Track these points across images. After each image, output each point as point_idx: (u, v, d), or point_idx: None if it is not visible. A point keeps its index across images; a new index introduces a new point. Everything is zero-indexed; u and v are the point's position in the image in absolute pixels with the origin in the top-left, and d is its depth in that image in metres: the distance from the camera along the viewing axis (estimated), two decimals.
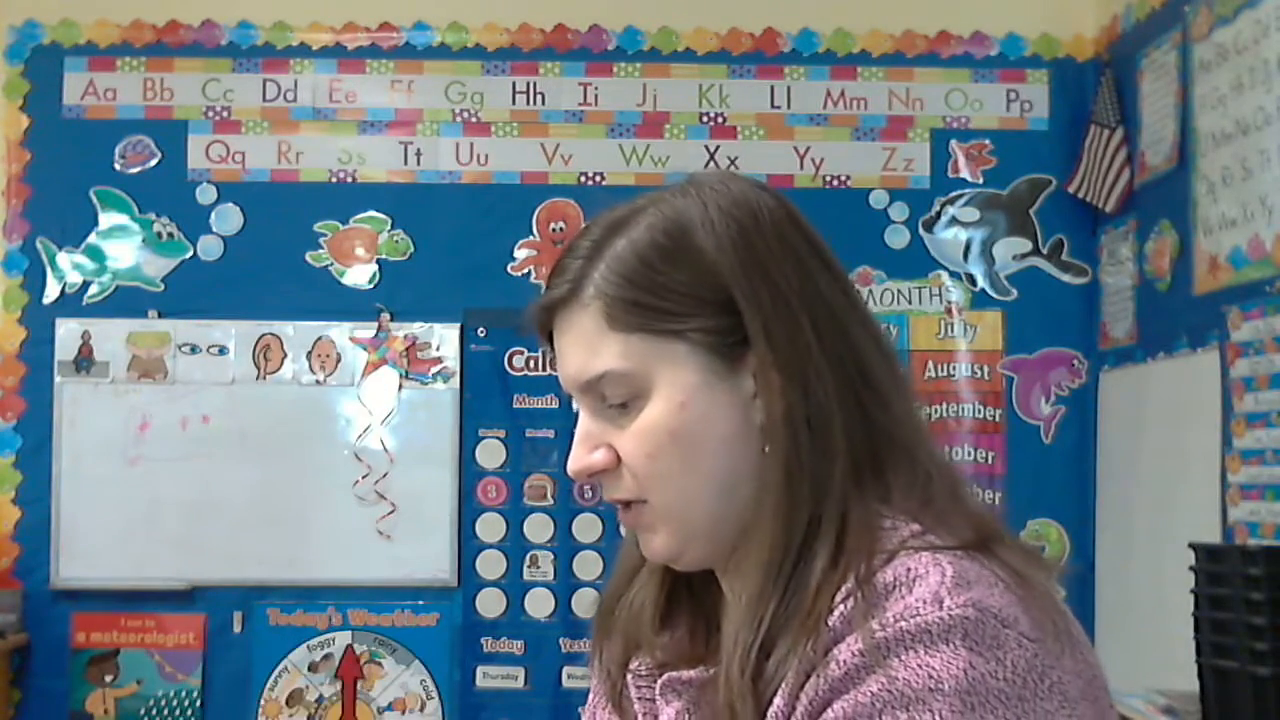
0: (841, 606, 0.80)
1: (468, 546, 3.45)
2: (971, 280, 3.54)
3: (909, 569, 0.80)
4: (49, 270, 3.50)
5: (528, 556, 3.46)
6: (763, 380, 0.86)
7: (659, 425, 0.88)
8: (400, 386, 3.50)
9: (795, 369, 0.86)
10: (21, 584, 3.41)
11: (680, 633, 0.96)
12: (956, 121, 3.56)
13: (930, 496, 0.86)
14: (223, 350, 3.49)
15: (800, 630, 0.81)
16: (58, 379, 3.46)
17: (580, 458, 0.92)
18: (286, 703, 3.42)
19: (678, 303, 0.88)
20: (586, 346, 0.90)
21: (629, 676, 0.96)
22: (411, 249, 3.54)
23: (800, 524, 0.84)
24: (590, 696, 1.07)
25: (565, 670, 3.44)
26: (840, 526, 0.84)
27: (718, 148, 3.55)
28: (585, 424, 0.92)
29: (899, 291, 3.51)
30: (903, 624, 0.77)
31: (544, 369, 3.48)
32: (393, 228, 3.54)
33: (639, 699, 0.94)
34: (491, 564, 3.46)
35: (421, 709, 3.44)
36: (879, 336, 0.91)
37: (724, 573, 0.93)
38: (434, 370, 3.50)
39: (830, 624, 0.79)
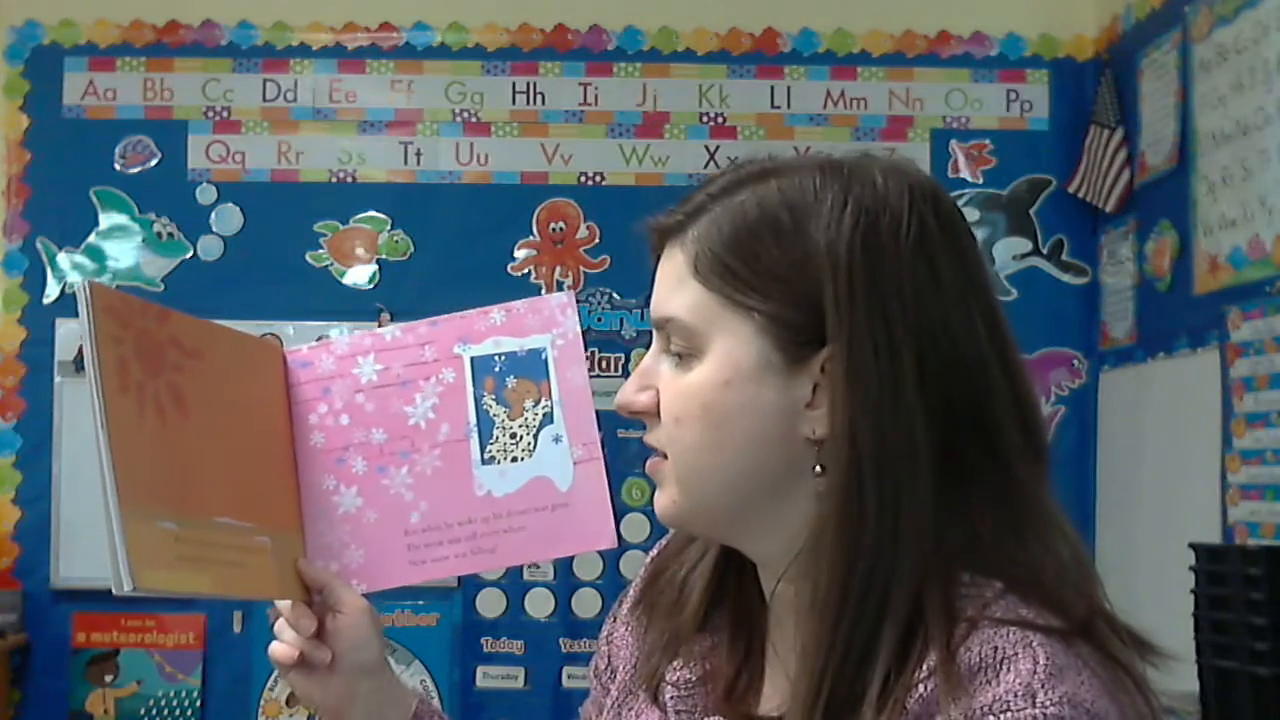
0: (921, 687, 0.75)
1: None
2: None
3: (996, 649, 0.74)
4: (49, 270, 3.50)
5: None
6: (831, 393, 0.81)
7: (696, 394, 0.85)
8: None
9: (873, 390, 0.79)
10: (21, 584, 3.41)
11: (720, 639, 0.93)
12: (956, 121, 3.56)
13: (1029, 566, 0.80)
14: None
15: (873, 712, 0.76)
16: (58, 379, 3.46)
17: (627, 392, 0.90)
18: (286, 703, 3.42)
19: (763, 279, 0.82)
20: (671, 284, 0.87)
21: (668, 688, 0.93)
22: (411, 249, 3.54)
23: (859, 556, 0.79)
24: (598, 662, 1.06)
25: (565, 670, 3.44)
26: (918, 585, 0.78)
27: (718, 148, 3.55)
28: (646, 360, 0.90)
29: None
30: (991, 718, 0.72)
31: None
32: (393, 228, 3.54)
33: (676, 711, 0.92)
34: None
35: None
36: (1019, 390, 0.84)
37: (767, 575, 0.90)
38: None
39: (908, 707, 0.75)
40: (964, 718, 0.72)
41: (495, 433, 1.09)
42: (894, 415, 0.79)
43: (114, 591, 0.88)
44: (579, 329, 1.10)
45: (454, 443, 1.09)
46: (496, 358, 1.10)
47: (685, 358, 0.86)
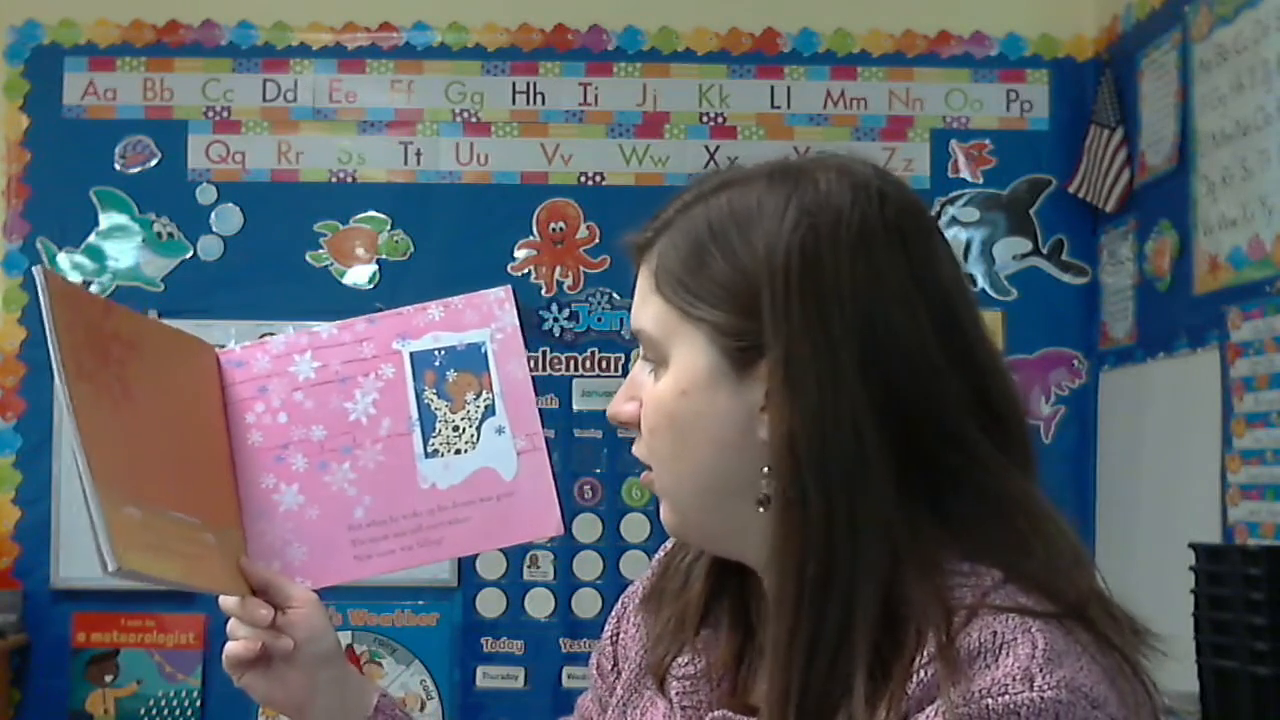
0: (921, 673, 0.76)
1: None
2: (972, 280, 3.54)
3: (995, 633, 0.75)
4: None
5: (528, 556, 3.46)
6: (772, 396, 0.81)
7: (661, 404, 0.87)
8: None
9: (811, 392, 0.80)
10: (21, 584, 3.41)
11: (723, 629, 0.94)
12: (956, 121, 3.56)
13: (1018, 548, 0.80)
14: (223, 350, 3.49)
15: (871, 696, 0.77)
16: (58, 379, 3.45)
17: (615, 403, 0.92)
18: None
19: (710, 290, 0.84)
20: (641, 298, 0.90)
21: (674, 682, 0.93)
22: (411, 249, 3.54)
23: (809, 557, 0.79)
24: (601, 661, 1.06)
25: (565, 670, 3.44)
26: (889, 579, 0.79)
27: (718, 148, 3.55)
28: (634, 372, 0.92)
29: None
30: (989, 701, 0.72)
31: (544, 369, 3.48)
32: (393, 228, 3.54)
33: (682, 706, 0.92)
34: (491, 564, 3.46)
35: (421, 709, 3.44)
36: (981, 385, 0.83)
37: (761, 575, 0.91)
38: None
39: (908, 691, 0.76)
40: (963, 701, 0.73)
41: (438, 426, 1.10)
42: (835, 414, 0.79)
43: (100, 572, 0.90)
44: (517, 322, 1.12)
45: (396, 437, 1.10)
46: (436, 352, 1.12)
47: (656, 369, 0.89)
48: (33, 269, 0.93)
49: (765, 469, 0.83)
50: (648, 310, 0.89)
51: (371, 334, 1.13)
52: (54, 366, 0.93)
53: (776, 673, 0.80)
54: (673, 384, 0.86)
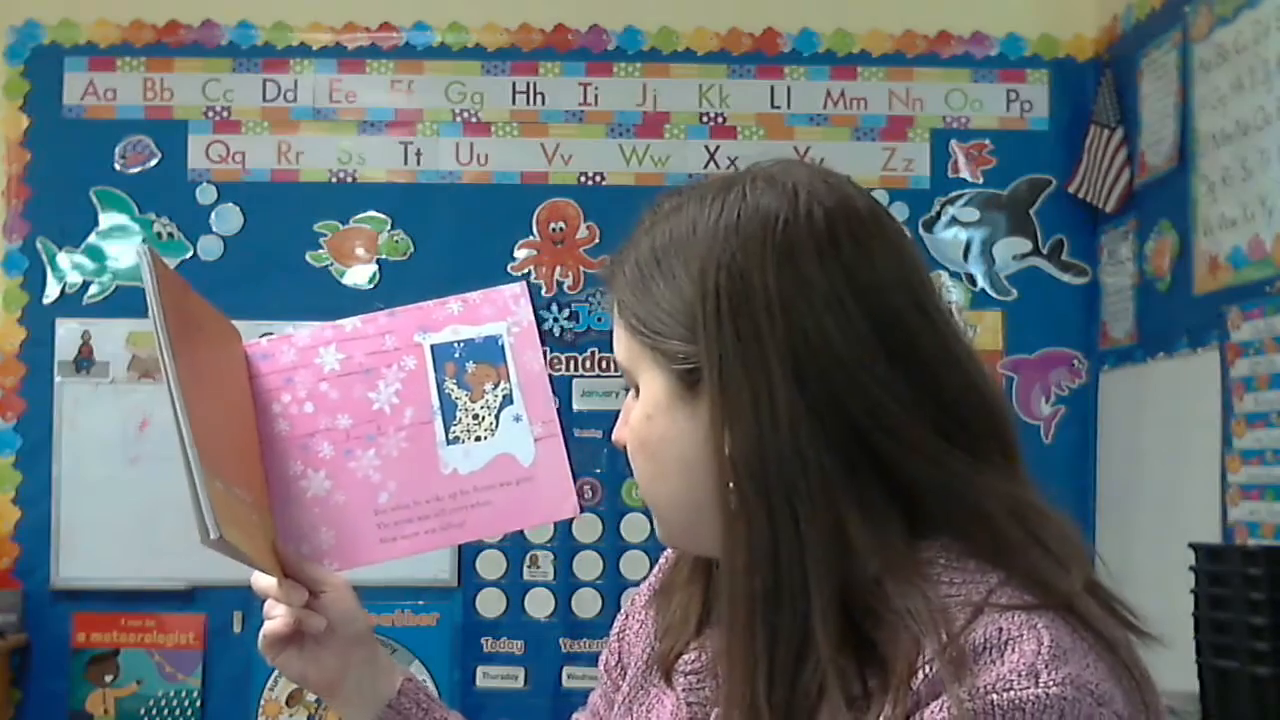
0: (926, 668, 0.75)
1: (468, 546, 3.45)
2: (971, 280, 3.54)
3: (1000, 629, 0.75)
4: (49, 270, 3.50)
5: (528, 556, 3.46)
6: (713, 416, 0.82)
7: (635, 429, 0.90)
8: None
9: (747, 409, 0.80)
10: (21, 584, 3.41)
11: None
12: (956, 121, 3.56)
13: (1006, 545, 0.80)
14: None
15: (856, 700, 0.77)
16: (58, 379, 3.46)
17: (617, 428, 0.94)
18: (286, 703, 3.42)
19: (656, 317, 0.86)
20: (615, 329, 0.92)
21: (681, 677, 0.93)
22: (411, 249, 3.54)
23: (756, 572, 0.79)
24: (608, 657, 1.08)
25: (565, 670, 3.44)
26: (849, 584, 0.78)
27: (718, 148, 3.55)
28: (628, 398, 0.93)
29: None
30: (994, 697, 0.72)
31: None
32: (393, 228, 3.54)
33: (689, 702, 0.93)
34: (491, 564, 3.46)
35: None
36: (937, 384, 0.81)
37: None
38: None
39: (914, 687, 0.75)
40: (968, 696, 0.72)
41: (458, 414, 1.14)
42: (772, 429, 0.79)
43: (200, 541, 0.92)
44: (532, 317, 1.17)
45: (419, 425, 1.14)
46: (456, 345, 1.16)
47: (635, 395, 0.91)
48: (139, 249, 0.96)
49: (730, 484, 0.83)
50: (618, 341, 0.91)
51: (393, 327, 1.18)
52: (159, 342, 0.96)
53: (734, 690, 0.80)
54: (640, 410, 0.89)
